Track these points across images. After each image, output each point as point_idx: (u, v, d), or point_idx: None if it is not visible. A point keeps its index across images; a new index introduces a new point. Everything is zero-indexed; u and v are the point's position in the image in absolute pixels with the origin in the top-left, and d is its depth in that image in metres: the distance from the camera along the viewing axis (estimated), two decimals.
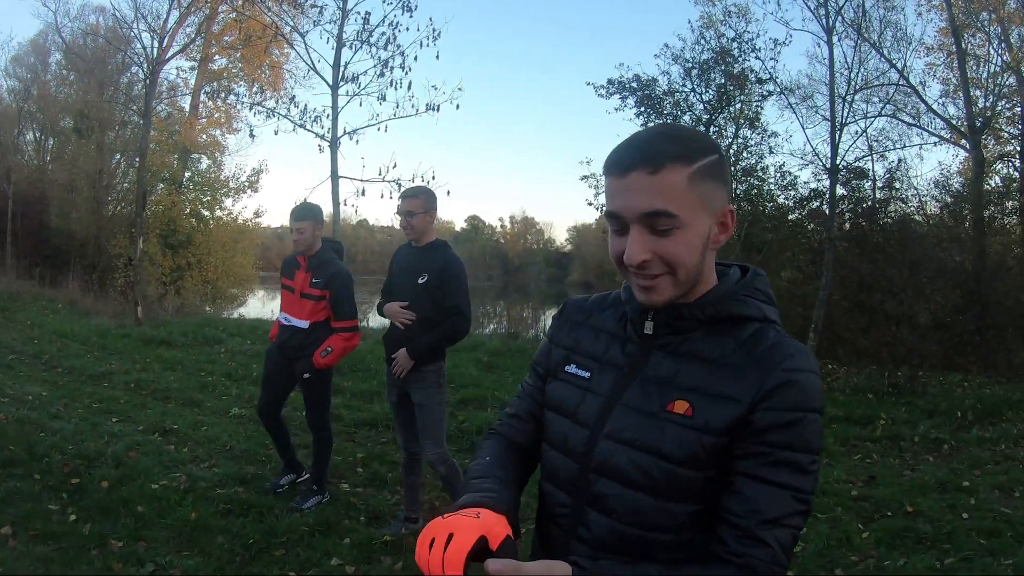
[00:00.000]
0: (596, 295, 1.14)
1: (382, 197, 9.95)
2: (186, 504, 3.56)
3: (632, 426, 0.92)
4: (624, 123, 10.19)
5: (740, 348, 0.91)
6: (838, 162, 8.19)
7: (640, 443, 0.90)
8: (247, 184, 19.15)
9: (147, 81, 12.88)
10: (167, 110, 18.88)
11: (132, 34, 12.82)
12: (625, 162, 0.86)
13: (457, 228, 65.15)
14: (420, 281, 3.10)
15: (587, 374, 1.01)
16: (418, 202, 3.12)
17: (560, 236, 59.59)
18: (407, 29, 8.42)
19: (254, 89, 14.84)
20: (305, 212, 3.56)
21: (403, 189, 3.36)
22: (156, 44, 12.54)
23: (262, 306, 19.12)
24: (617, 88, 9.86)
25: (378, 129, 8.54)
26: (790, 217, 9.93)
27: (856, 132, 8.77)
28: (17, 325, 10.10)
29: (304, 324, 3.53)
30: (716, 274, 0.98)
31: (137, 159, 13.27)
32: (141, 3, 12.90)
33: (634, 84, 9.77)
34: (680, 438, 0.88)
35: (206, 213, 19.09)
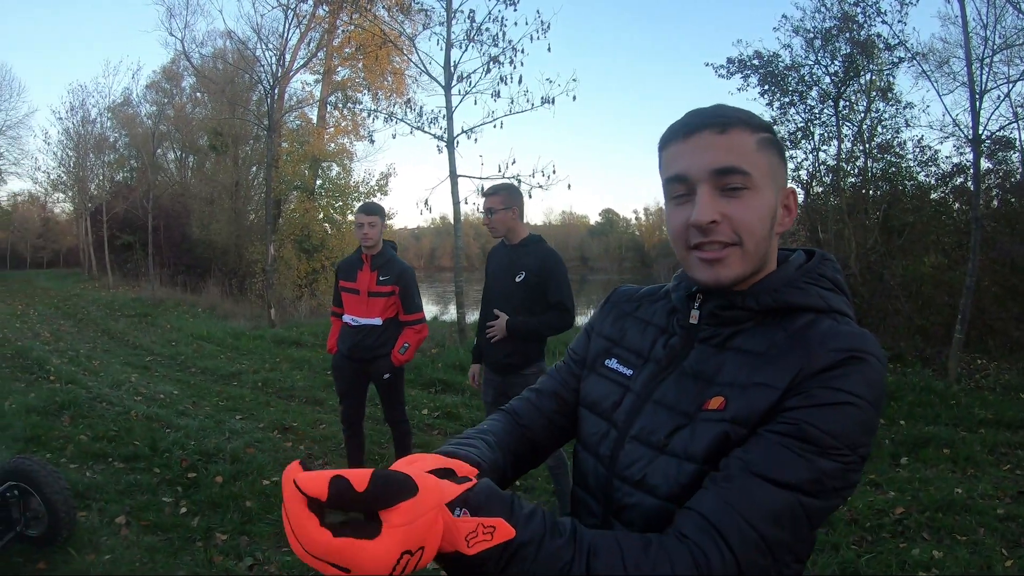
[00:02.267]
0: (649, 286, 1.40)
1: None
2: None
3: (661, 427, 1.13)
4: (748, 104, 12.39)
5: (790, 338, 1.09)
6: (980, 132, 9.41)
7: (669, 447, 1.10)
8: (376, 188, 26.29)
9: (270, 97, 18.26)
10: (296, 122, 26.94)
11: (256, 54, 18.85)
12: (691, 125, 1.12)
13: (591, 222, 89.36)
14: (517, 279, 4.21)
15: (629, 371, 1.25)
16: (497, 199, 4.23)
17: None
18: (515, 24, 11.21)
19: (377, 96, 20.94)
20: (375, 207, 4.93)
21: (487, 188, 4.42)
22: (276, 62, 18.21)
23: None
24: (738, 67, 12.35)
25: (494, 126, 11.77)
26: (932, 196, 12.09)
27: (998, 98, 10.17)
28: (158, 329, 14.31)
29: (378, 321, 4.88)
30: (777, 262, 1.19)
31: (270, 170, 19.00)
32: (261, 25, 19.38)
33: (755, 61, 12.17)
34: (710, 435, 1.06)
35: (338, 218, 26.15)
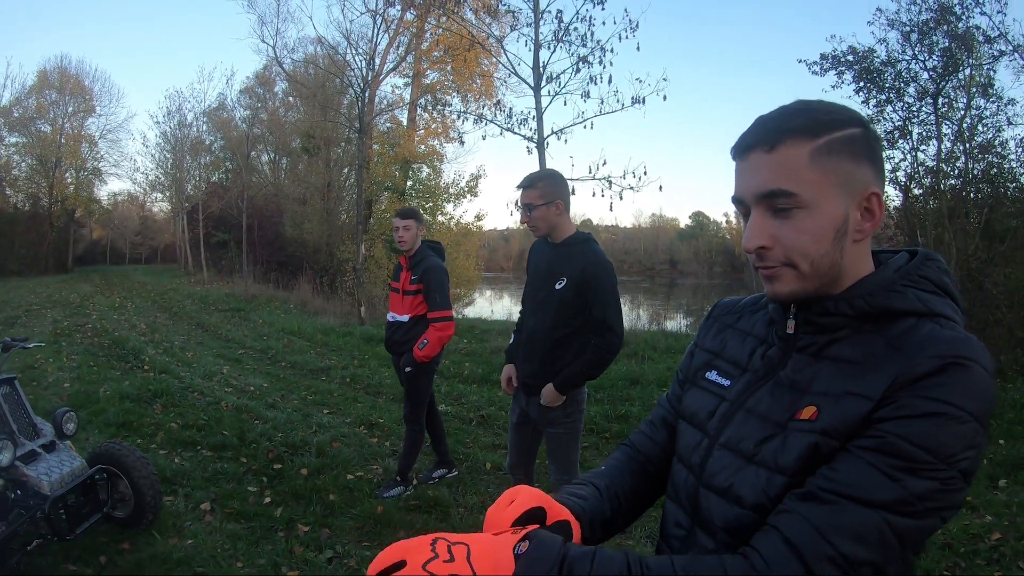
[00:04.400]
0: (752, 296, 1.45)
1: (594, 195, 12.76)
2: (375, 498, 5.18)
3: (752, 436, 1.17)
4: (842, 101, 12.27)
5: (889, 345, 1.09)
6: None
7: (757, 456, 1.14)
8: (466, 189, 28.33)
9: (361, 101, 19.54)
10: (387, 125, 29.28)
11: (346, 60, 20.19)
12: (744, 143, 1.17)
13: (681, 225, 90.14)
14: (557, 287, 3.73)
15: (727, 382, 1.30)
16: (535, 192, 3.75)
17: None
18: (602, 23, 11.95)
19: (466, 99, 22.04)
20: (410, 211, 5.34)
21: (520, 180, 4.09)
22: (367, 66, 19.52)
23: (488, 304, 29.28)
24: (832, 63, 12.39)
25: (584, 127, 12.27)
26: None
27: None
28: (250, 324, 15.08)
29: (404, 318, 5.33)
30: (876, 263, 1.22)
31: (361, 171, 20.08)
32: (351, 30, 20.47)
33: (849, 57, 12.18)
34: (800, 446, 1.08)
35: (428, 219, 27.57)
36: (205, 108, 36.03)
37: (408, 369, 5.28)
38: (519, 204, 3.89)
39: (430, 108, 26.16)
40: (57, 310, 16.88)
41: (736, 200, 1.20)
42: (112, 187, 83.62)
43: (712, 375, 1.35)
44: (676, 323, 18.93)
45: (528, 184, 3.79)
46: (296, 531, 4.72)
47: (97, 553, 4.33)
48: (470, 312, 25.93)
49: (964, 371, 1.00)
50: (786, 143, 1.11)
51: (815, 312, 1.18)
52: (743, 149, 1.17)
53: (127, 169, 55.43)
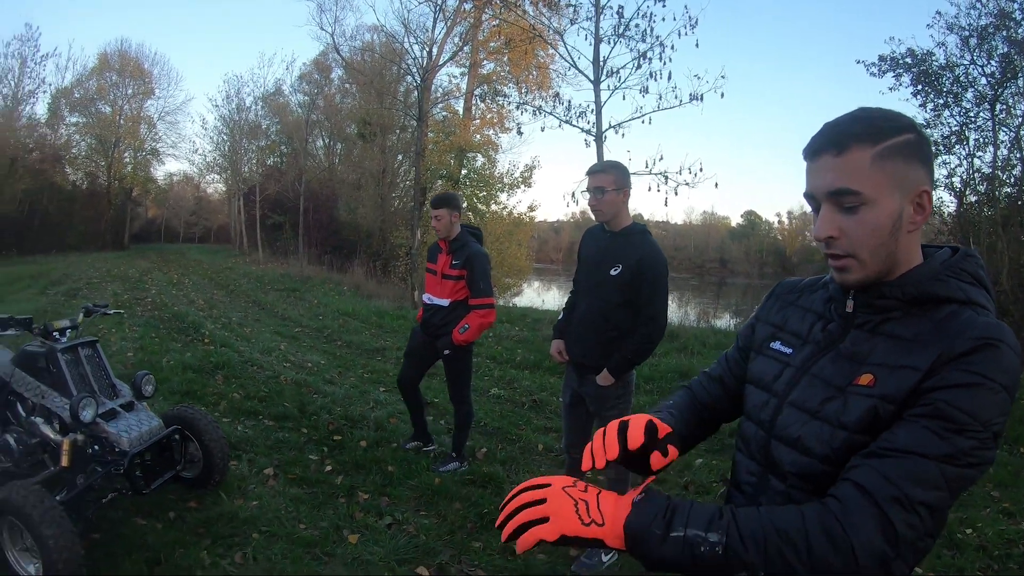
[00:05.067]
0: (810, 277, 1.72)
1: (649, 190, 12.91)
2: (432, 471, 5.44)
3: (816, 396, 1.42)
4: (900, 104, 12.63)
5: (935, 327, 1.32)
6: None
7: (821, 413, 1.39)
8: (520, 180, 28.93)
9: (419, 89, 20.01)
10: (443, 113, 30.08)
11: (404, 47, 20.78)
12: (814, 147, 1.39)
13: (733, 224, 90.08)
14: (613, 272, 4.02)
15: (790, 351, 1.56)
16: (609, 177, 4.01)
17: None
18: (662, 19, 11.82)
19: (523, 90, 22.19)
20: (441, 201, 5.51)
21: (591, 165, 4.32)
22: (426, 55, 20.14)
23: (536, 296, 30.01)
24: (890, 65, 12.62)
25: (642, 122, 12.42)
26: None
27: None
28: (306, 304, 15.57)
29: (445, 302, 5.49)
30: (924, 256, 1.44)
31: (417, 159, 20.50)
32: (410, 19, 21.44)
33: (907, 60, 12.37)
34: (860, 407, 1.33)
35: (482, 207, 28.46)
36: (263, 93, 37.08)
37: (447, 352, 5.50)
38: (588, 188, 4.07)
39: (488, 99, 27.36)
40: (116, 284, 17.51)
41: (808, 196, 1.43)
42: (169, 167, 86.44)
43: (776, 345, 1.61)
44: (724, 322, 18.93)
45: (602, 169, 4.06)
46: (356, 498, 4.98)
47: (166, 509, 4.61)
48: (520, 301, 26.34)
49: (996, 350, 1.25)
50: (852, 148, 1.34)
51: (872, 295, 1.42)
52: (814, 152, 1.40)
53: (185, 151, 57.19)
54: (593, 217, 4.19)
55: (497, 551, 4.33)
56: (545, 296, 33.22)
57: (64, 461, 4.13)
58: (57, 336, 4.49)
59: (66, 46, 46.63)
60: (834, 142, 1.36)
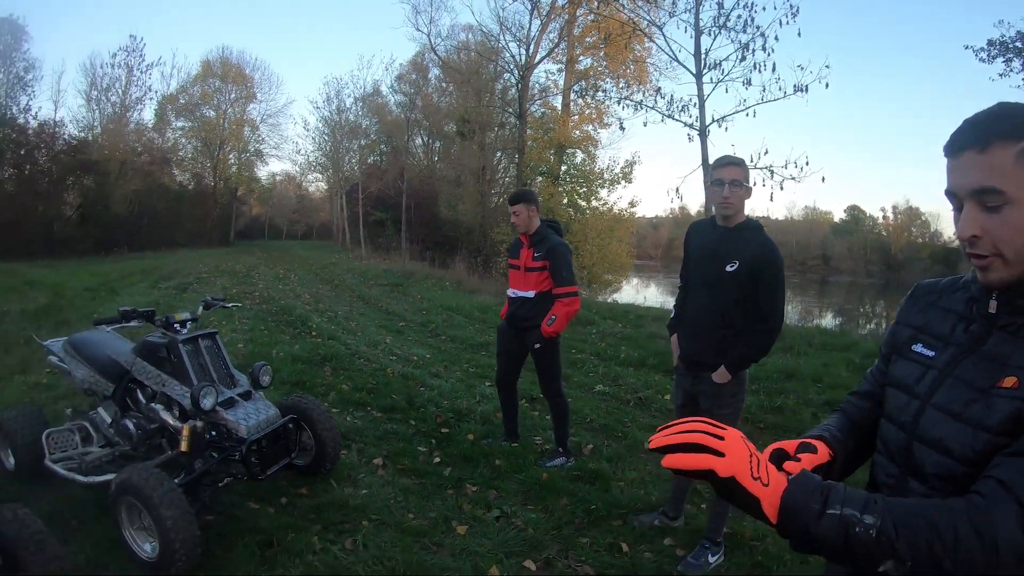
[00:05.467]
0: (949, 278, 1.69)
1: (754, 185, 12.74)
2: (539, 465, 5.46)
3: (959, 399, 1.41)
4: (1011, 92, 12.53)
5: None
6: None
7: (965, 416, 1.38)
8: (621, 175, 29.10)
9: (519, 86, 19.84)
10: (541, 110, 30.47)
11: (500, 45, 21.11)
12: (957, 143, 1.36)
13: (835, 219, 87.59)
14: (729, 269, 3.95)
15: (932, 353, 1.54)
16: (741, 171, 3.96)
17: (948, 229, 73.03)
18: (763, 8, 11.67)
19: (620, 85, 22.60)
20: (518, 197, 5.71)
21: (720, 156, 4.23)
22: (523, 52, 20.29)
23: (635, 292, 30.20)
24: (999, 50, 12.26)
25: (746, 115, 12.46)
26: None
27: None
28: (409, 298, 15.87)
29: (530, 294, 5.63)
30: None
31: (516, 156, 20.42)
32: (505, 17, 21.59)
33: (1018, 43, 12.04)
34: (1003, 410, 1.31)
35: (582, 203, 29.12)
36: (362, 94, 38.40)
37: (537, 345, 5.62)
38: (722, 180, 3.98)
39: (586, 95, 27.83)
40: (225, 278, 18.23)
41: (949, 193, 1.40)
42: (272, 168, 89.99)
43: (918, 347, 1.59)
44: (828, 321, 18.20)
45: (737, 162, 4.01)
46: (464, 490, 5.03)
47: (278, 495, 4.76)
48: (620, 298, 26.27)
49: None
50: (995, 145, 1.30)
51: (1016, 295, 1.39)
52: (956, 148, 1.37)
53: (287, 151, 59.80)
54: (719, 211, 4.09)
55: (604, 548, 4.30)
56: (644, 293, 33.18)
57: (183, 446, 4.31)
58: (178, 328, 4.69)
59: (170, 55, 49.99)
60: (976, 139, 1.33)
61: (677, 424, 1.31)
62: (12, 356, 8.55)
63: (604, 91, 26.42)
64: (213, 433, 4.52)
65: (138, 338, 5.07)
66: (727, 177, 3.93)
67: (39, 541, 3.25)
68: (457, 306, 14.58)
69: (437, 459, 5.62)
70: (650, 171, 65.57)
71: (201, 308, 5.10)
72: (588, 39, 28.03)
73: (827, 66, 11.54)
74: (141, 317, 4.67)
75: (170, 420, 4.49)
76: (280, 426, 4.59)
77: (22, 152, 24.88)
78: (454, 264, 24.46)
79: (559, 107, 30.40)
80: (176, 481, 4.01)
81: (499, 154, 32.46)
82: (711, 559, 4.23)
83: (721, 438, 1.28)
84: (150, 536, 3.99)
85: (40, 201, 24.71)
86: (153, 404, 4.63)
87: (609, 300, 21.99)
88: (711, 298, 4.07)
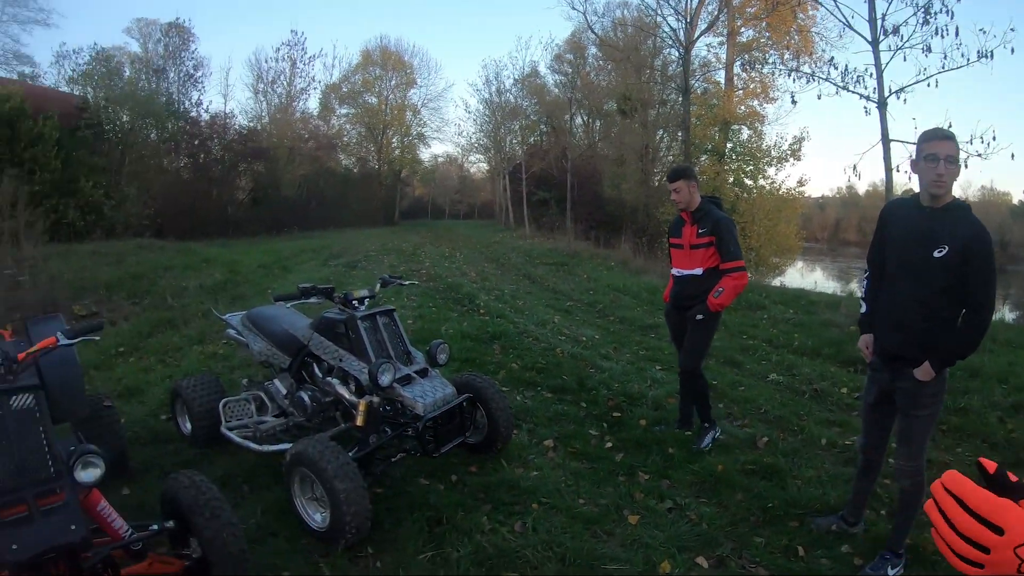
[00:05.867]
0: None
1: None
2: (713, 456, 5.24)
3: None
4: None
5: None
6: None
7: None
8: (789, 152, 27.92)
9: (681, 60, 19.35)
10: (703, 85, 29.50)
11: (658, 19, 20.69)
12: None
13: (1014, 200, 77.41)
14: (937, 254, 3.56)
15: None
16: (954, 145, 3.56)
17: None
18: None
19: (785, 56, 21.46)
20: (677, 173, 5.62)
21: (930, 129, 3.74)
22: (682, 25, 19.86)
23: (800, 277, 28.50)
24: None
25: (928, 85, 11.23)
26: None
27: None
28: (575, 278, 15.87)
29: (698, 271, 5.54)
30: None
31: (679, 133, 19.79)
32: None
33: None
34: None
35: (749, 182, 28.14)
36: (520, 75, 39.19)
37: (700, 317, 5.50)
38: (935, 156, 3.60)
39: (750, 68, 26.94)
40: (392, 257, 18.82)
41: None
42: (434, 150, 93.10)
43: None
44: (1009, 315, 16.39)
45: (948, 137, 3.62)
46: (637, 478, 4.91)
47: (448, 472, 4.82)
48: (785, 282, 25.26)
49: None
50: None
51: None
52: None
53: (449, 134, 61.47)
54: (929, 189, 3.69)
55: (779, 550, 4.08)
56: (811, 277, 31.94)
57: (359, 421, 4.42)
58: (356, 305, 4.80)
59: (331, 46, 52.29)
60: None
61: (948, 512, 1.05)
62: (191, 328, 9.16)
63: (770, 64, 25.28)
64: (388, 409, 4.60)
65: (315, 314, 5.23)
66: (942, 152, 3.56)
67: (214, 508, 3.38)
68: (624, 287, 14.44)
69: (609, 444, 5.53)
70: (812, 149, 62.86)
71: (379, 285, 5.23)
72: (749, 9, 27.23)
73: (1012, 29, 10.61)
74: (321, 294, 4.82)
75: (346, 394, 4.62)
76: (456, 405, 4.61)
77: (196, 142, 26.69)
78: (619, 244, 24.30)
79: (722, 82, 29.69)
80: (350, 455, 4.10)
81: (661, 132, 32.10)
82: (891, 571, 3.95)
83: (987, 550, 1.01)
84: (321, 506, 4.11)
85: (214, 187, 26.50)
86: (329, 378, 4.78)
87: (777, 284, 21.31)
88: (915, 286, 3.72)
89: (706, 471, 5.00)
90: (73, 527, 2.92)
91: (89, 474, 3.08)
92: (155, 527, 3.44)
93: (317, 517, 4.15)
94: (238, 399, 5.30)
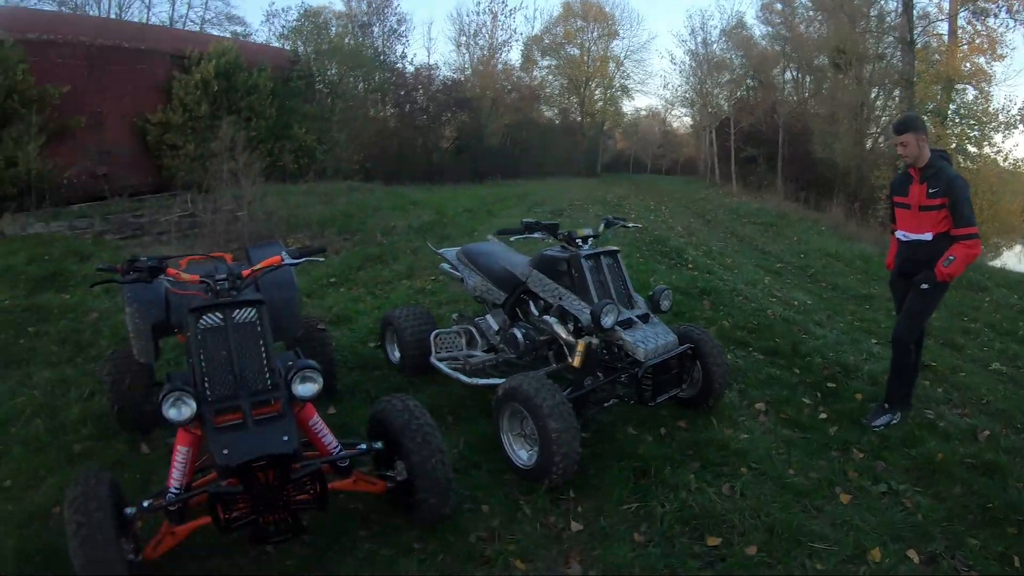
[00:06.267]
0: None
1: None
2: (933, 443, 4.83)
3: None
4: None
5: None
6: None
7: None
8: (1019, 118, 24.32)
9: (908, 9, 17.44)
10: (923, 39, 26.13)
11: None
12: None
13: None
14: None
15: None
16: None
17: None
18: None
19: (1015, 7, 19.35)
20: (904, 125, 4.99)
21: None
22: None
23: (1017, 261, 24.59)
24: None
25: None
26: None
27: None
28: (784, 240, 15.27)
29: (927, 236, 4.96)
30: None
31: (897, 91, 18.09)
32: None
33: None
34: None
35: (973, 149, 25.01)
36: (725, 27, 37.94)
37: (925, 286, 4.98)
38: None
39: (975, 19, 24.47)
40: (596, 207, 18.67)
41: None
42: (637, 103, 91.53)
43: None
44: None
45: None
46: (851, 455, 4.65)
47: (657, 424, 4.75)
48: (1006, 264, 22.22)
49: None
50: None
51: None
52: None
53: (653, 86, 60.44)
54: None
55: (994, 556, 3.71)
56: None
57: (575, 362, 4.38)
58: (579, 244, 4.71)
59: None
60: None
61: None
62: (399, 264, 9.53)
63: (1000, 16, 22.86)
64: (604, 352, 4.52)
65: (531, 252, 5.22)
66: None
67: (426, 433, 3.47)
68: (836, 252, 13.72)
69: (823, 415, 5.26)
70: None
71: (603, 226, 5.13)
72: None
73: None
74: (545, 230, 4.79)
75: (563, 334, 4.58)
76: (676, 354, 4.48)
77: (402, 93, 27.69)
78: (830, 207, 22.87)
79: (944, 35, 26.26)
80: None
81: (876, 90, 29.19)
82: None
83: None
84: (528, 444, 4.14)
85: (419, 135, 27.42)
86: (546, 316, 4.74)
87: (997, 265, 19.30)
88: None
89: (924, 458, 4.64)
90: (286, 438, 3.06)
91: (307, 388, 3.21)
92: (363, 447, 3.59)
93: (523, 454, 4.18)
94: (449, 332, 5.42)
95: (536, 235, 4.81)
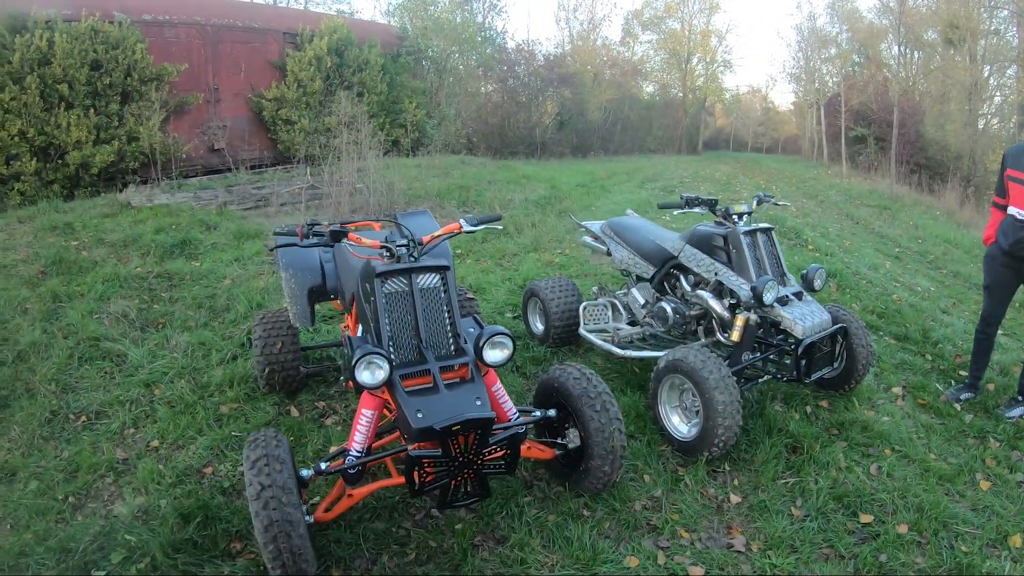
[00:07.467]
0: None
1: None
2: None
3: None
4: None
5: None
6: None
7: None
8: None
9: None
10: None
11: None
12: None
13: None
14: None
15: None
16: None
17: None
18: None
19: None
20: None
21: None
22: None
23: None
24: None
25: None
26: None
27: None
28: (900, 224, 14.84)
29: None
30: None
31: (1010, 69, 17.08)
32: None
33: None
34: None
35: None
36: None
37: None
38: None
39: None
40: (706, 185, 18.43)
41: None
42: (738, 79, 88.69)
43: None
44: None
45: None
46: (988, 443, 4.65)
47: (802, 403, 4.86)
48: None
49: None
50: None
51: None
52: None
53: (757, 62, 58.31)
54: None
55: None
56: None
57: (734, 336, 4.44)
58: (735, 220, 4.75)
59: None
60: None
61: None
62: (524, 237, 9.56)
63: None
64: (760, 329, 4.56)
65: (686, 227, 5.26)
66: None
67: (605, 401, 3.52)
68: (955, 240, 13.32)
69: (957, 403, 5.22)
70: None
71: (755, 203, 5.13)
72: None
73: None
74: (704, 204, 4.84)
75: (718, 308, 4.63)
76: (831, 333, 4.51)
77: (504, 68, 27.57)
78: (943, 191, 21.91)
79: None
80: None
81: (988, 68, 27.03)
82: None
83: None
84: (686, 416, 4.23)
85: (522, 109, 27.30)
86: (699, 291, 4.79)
87: None
88: None
89: None
90: (479, 402, 3.04)
91: (498, 354, 3.18)
92: (538, 414, 3.65)
93: (681, 427, 4.27)
94: (596, 304, 5.52)
95: (696, 209, 4.85)
